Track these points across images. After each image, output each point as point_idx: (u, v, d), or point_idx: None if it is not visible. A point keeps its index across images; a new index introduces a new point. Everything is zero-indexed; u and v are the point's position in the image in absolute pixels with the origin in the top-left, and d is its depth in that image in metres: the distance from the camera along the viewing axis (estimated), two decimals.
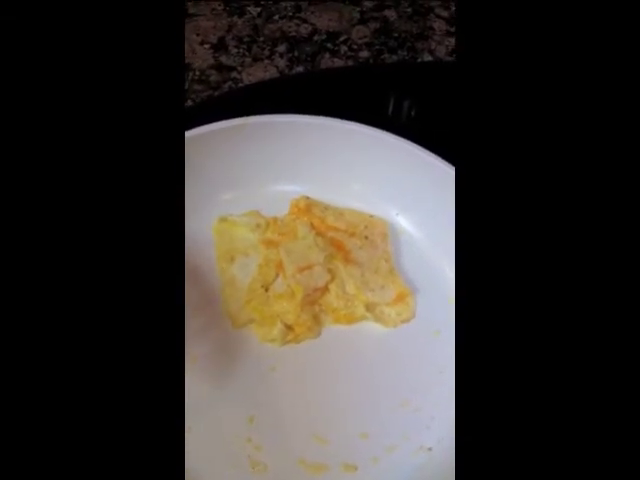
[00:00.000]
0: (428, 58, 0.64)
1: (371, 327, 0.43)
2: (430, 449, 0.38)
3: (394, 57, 0.64)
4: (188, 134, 0.43)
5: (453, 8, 0.68)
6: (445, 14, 0.68)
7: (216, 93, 0.59)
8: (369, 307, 0.43)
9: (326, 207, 0.47)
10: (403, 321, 0.43)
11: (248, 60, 0.62)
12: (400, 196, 0.47)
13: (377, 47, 0.64)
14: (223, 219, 0.46)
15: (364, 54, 0.64)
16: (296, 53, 0.63)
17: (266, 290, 0.43)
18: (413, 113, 0.58)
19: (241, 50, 0.63)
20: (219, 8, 0.66)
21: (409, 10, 0.68)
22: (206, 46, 0.62)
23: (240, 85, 0.60)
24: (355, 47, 0.64)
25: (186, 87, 0.58)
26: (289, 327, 0.41)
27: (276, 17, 0.66)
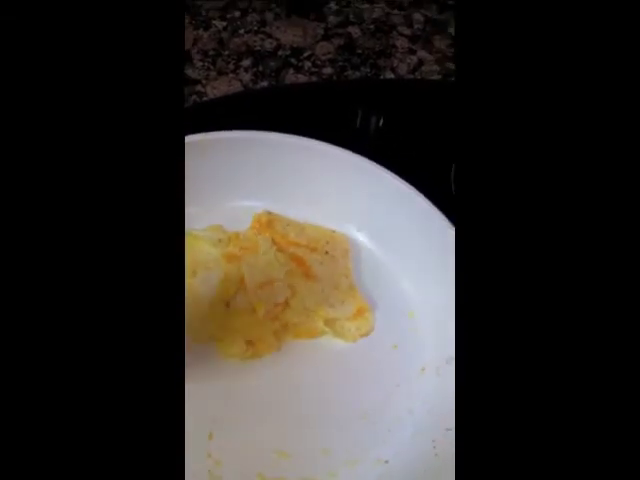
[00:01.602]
0: (390, 75, 0.66)
1: (331, 342, 0.44)
2: (387, 462, 0.39)
3: (357, 74, 0.65)
4: None
5: (416, 26, 0.70)
6: (407, 32, 0.69)
7: None
8: (328, 322, 0.44)
9: (288, 222, 0.48)
10: (362, 335, 0.44)
11: (213, 74, 0.62)
12: (361, 212, 0.48)
13: (340, 63, 0.66)
14: (185, 233, 0.46)
15: (327, 70, 0.65)
16: (260, 68, 0.64)
17: (227, 305, 0.43)
18: (380, 126, 0.59)
19: (206, 63, 0.63)
20: (185, 21, 0.66)
21: (372, 27, 0.69)
22: None
23: (205, 99, 0.60)
24: (319, 63, 0.65)
25: None
26: (250, 343, 0.42)
27: (241, 31, 0.67)
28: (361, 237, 0.49)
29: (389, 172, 0.45)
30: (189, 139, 0.46)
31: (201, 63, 0.63)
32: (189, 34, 0.65)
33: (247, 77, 0.63)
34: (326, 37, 0.67)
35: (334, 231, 0.48)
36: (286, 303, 0.44)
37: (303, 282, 0.44)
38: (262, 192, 0.49)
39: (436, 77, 0.66)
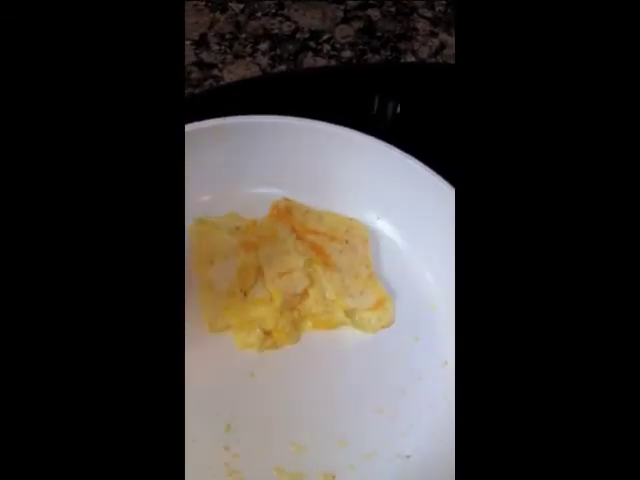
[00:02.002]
0: (411, 59, 0.64)
1: (350, 333, 0.43)
2: (408, 457, 0.38)
3: (377, 57, 0.64)
4: None
5: (437, 8, 0.68)
6: (429, 14, 0.67)
7: (197, 91, 0.58)
8: (348, 313, 0.42)
9: (307, 210, 0.47)
10: (382, 327, 0.43)
11: (229, 57, 0.61)
12: (381, 200, 0.47)
13: (360, 47, 0.64)
14: (201, 221, 0.45)
15: (347, 54, 0.63)
16: (278, 51, 0.62)
17: (245, 295, 0.42)
18: (397, 112, 0.58)
19: (223, 47, 0.62)
20: (201, 4, 0.65)
21: (393, 10, 0.67)
22: (187, 42, 0.61)
23: (221, 83, 0.59)
24: (338, 46, 0.64)
25: None
26: (267, 333, 0.41)
27: (259, 14, 0.65)
28: (381, 225, 0.48)
29: (412, 158, 0.44)
30: (205, 124, 0.45)
31: (217, 47, 0.62)
32: (205, 17, 0.64)
33: (265, 61, 0.61)
34: (345, 20, 0.66)
35: (353, 219, 0.47)
36: (305, 293, 0.42)
37: (322, 271, 0.43)
38: (279, 179, 0.48)
39: None
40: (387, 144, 0.45)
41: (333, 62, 0.63)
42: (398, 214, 0.47)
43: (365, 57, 0.63)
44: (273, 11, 0.65)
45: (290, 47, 0.63)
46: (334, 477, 0.37)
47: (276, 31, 0.64)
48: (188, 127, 0.44)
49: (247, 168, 0.48)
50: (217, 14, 0.64)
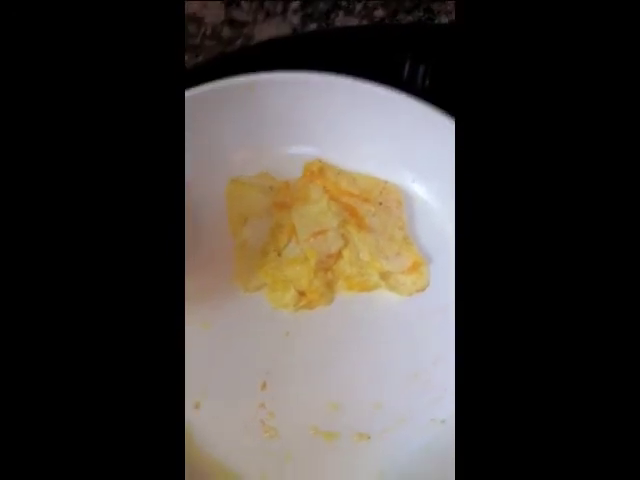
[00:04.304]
0: (444, 20, 0.62)
1: (384, 295, 0.42)
2: (443, 422, 0.38)
3: (410, 18, 0.62)
4: (198, 91, 0.42)
5: None
6: None
7: (228, 49, 0.57)
8: (384, 275, 0.42)
9: (340, 171, 0.46)
10: (418, 290, 0.42)
11: (261, 16, 0.60)
12: (417, 162, 0.46)
13: (393, 7, 0.62)
14: (235, 180, 0.45)
15: (379, 13, 0.62)
16: (309, 10, 0.61)
17: (279, 254, 0.42)
18: (427, 78, 0.56)
19: (254, 5, 0.60)
20: None
21: None
22: (218, 0, 0.60)
23: (252, 42, 0.57)
24: (370, 5, 0.62)
25: (198, 42, 0.56)
26: (302, 293, 0.40)
27: None
28: (416, 188, 0.46)
29: (450, 119, 0.43)
30: (236, 81, 0.44)
31: (248, 5, 0.60)
32: None
33: (296, 19, 0.60)
34: None
35: (387, 181, 0.46)
36: (339, 254, 0.42)
37: (356, 232, 0.42)
38: (311, 138, 0.47)
39: None
40: (426, 103, 0.44)
41: (365, 22, 0.61)
42: (434, 177, 0.46)
43: (397, 17, 0.62)
44: None
45: (321, 6, 0.61)
46: (369, 438, 0.37)
47: None
48: (218, 84, 0.43)
49: (278, 127, 0.46)
50: None
